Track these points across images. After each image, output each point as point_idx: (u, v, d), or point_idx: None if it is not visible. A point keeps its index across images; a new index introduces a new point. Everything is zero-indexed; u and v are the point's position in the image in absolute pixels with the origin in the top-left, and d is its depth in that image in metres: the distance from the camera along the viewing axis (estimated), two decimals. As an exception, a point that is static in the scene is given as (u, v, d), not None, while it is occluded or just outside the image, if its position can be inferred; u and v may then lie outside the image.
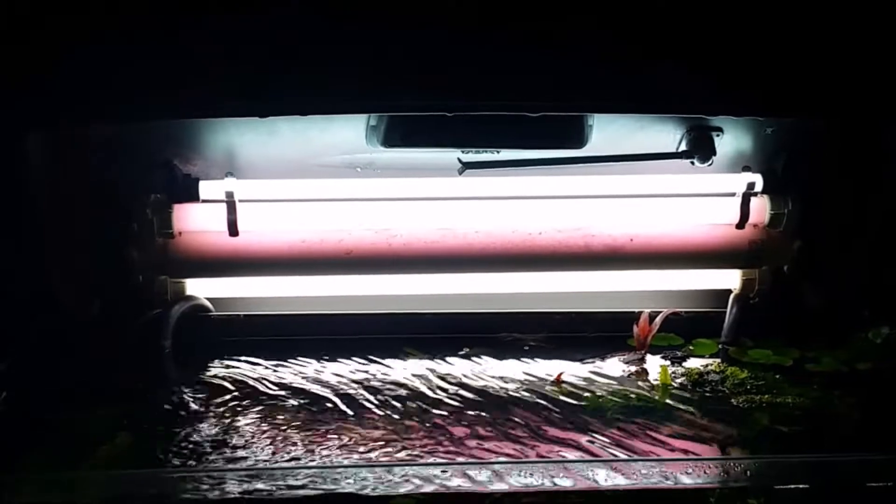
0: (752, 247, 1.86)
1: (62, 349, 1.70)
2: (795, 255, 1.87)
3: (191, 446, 1.39)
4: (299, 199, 1.81)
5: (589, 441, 1.41)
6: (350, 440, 1.41)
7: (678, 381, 1.66)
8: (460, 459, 1.35)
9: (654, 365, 1.72)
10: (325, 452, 1.37)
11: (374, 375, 1.67)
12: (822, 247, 1.86)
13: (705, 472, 1.30)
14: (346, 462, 1.34)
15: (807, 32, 1.55)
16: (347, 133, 1.75)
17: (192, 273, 1.84)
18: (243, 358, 1.75)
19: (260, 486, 1.24)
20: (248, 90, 1.52)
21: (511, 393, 1.60)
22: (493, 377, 1.67)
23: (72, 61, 1.48)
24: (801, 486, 1.27)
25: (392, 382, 1.64)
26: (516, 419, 1.49)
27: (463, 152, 1.74)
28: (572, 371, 1.69)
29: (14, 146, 1.60)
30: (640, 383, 1.65)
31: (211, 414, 1.51)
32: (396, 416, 1.50)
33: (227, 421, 1.48)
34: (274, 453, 1.37)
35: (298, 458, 1.35)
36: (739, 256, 1.87)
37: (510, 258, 1.83)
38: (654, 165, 1.79)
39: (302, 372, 1.69)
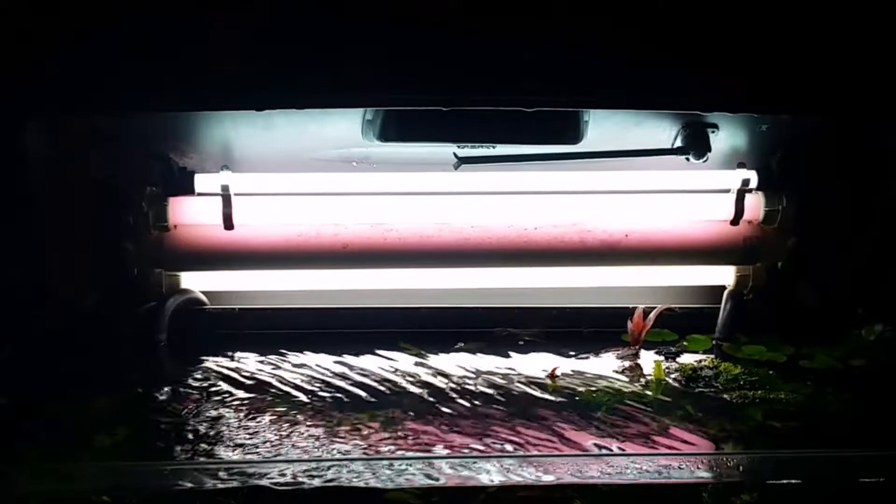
0: (747, 243, 1.87)
1: (58, 341, 1.70)
2: (790, 251, 1.87)
3: (185, 438, 1.39)
4: (295, 192, 1.81)
5: (582, 436, 1.41)
6: (348, 433, 1.41)
7: (672, 376, 1.66)
8: (455, 452, 1.36)
9: (648, 360, 1.73)
10: (322, 445, 1.37)
11: (367, 369, 1.68)
12: (817, 244, 1.86)
13: (698, 467, 1.31)
14: (341, 455, 1.34)
15: (802, 30, 1.56)
16: (343, 127, 1.75)
17: (187, 266, 1.84)
18: (238, 351, 1.75)
19: (255, 478, 1.24)
20: (246, 83, 1.52)
21: (507, 389, 1.61)
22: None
23: (70, 53, 1.48)
24: (794, 481, 1.27)
25: (384, 378, 1.64)
26: (512, 415, 1.50)
27: (459, 147, 1.74)
28: (567, 366, 1.70)
29: (11, 138, 1.59)
30: (634, 379, 1.66)
31: (205, 406, 1.51)
32: (392, 410, 1.50)
33: (222, 413, 1.48)
34: (268, 445, 1.37)
35: (294, 451, 1.35)
36: (734, 253, 1.87)
37: (506, 253, 1.83)
38: (649, 161, 1.80)
39: (296, 365, 1.69)
